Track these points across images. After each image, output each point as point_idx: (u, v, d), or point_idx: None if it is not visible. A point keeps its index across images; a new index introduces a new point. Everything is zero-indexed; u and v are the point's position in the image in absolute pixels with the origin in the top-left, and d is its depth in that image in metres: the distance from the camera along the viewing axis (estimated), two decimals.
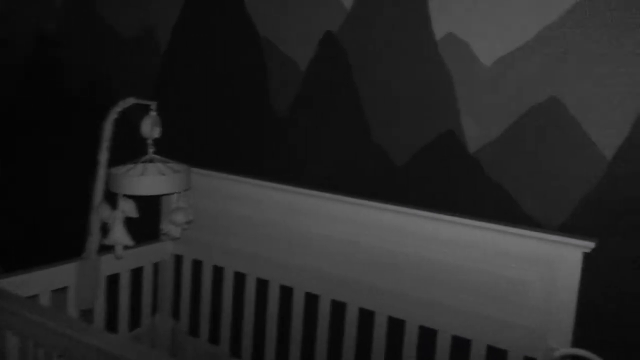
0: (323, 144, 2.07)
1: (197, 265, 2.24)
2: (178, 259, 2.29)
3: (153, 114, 1.86)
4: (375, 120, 1.96)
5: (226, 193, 2.12)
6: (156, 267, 2.29)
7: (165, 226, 1.98)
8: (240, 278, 2.14)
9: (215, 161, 2.28)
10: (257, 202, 2.05)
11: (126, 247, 1.93)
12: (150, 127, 1.84)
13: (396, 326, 1.85)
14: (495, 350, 1.69)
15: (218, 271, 2.19)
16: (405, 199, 1.90)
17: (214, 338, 2.23)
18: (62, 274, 1.93)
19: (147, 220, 2.06)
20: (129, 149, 1.93)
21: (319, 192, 1.92)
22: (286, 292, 2.05)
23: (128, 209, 1.80)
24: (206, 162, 2.25)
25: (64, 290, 1.97)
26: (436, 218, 1.74)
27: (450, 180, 1.84)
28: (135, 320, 2.25)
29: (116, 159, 1.93)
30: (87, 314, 2.15)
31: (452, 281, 1.74)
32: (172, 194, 2.03)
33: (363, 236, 1.86)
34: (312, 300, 1.99)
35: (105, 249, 1.98)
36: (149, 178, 1.76)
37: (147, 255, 2.21)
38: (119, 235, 1.80)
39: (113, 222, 1.79)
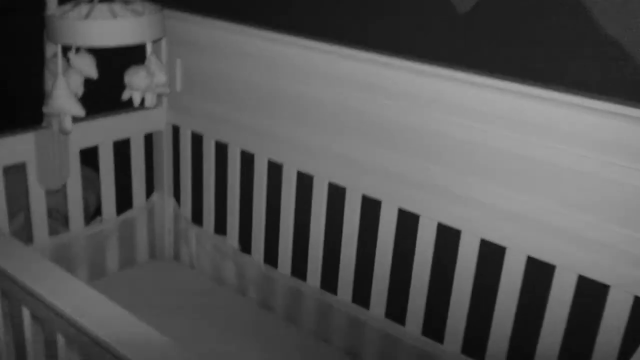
0: None
1: (198, 140, 1.79)
2: (176, 131, 1.84)
3: None
4: None
5: (231, 49, 1.61)
6: (150, 140, 1.85)
7: (126, 92, 1.50)
8: (248, 159, 1.68)
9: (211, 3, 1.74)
10: (271, 63, 1.54)
11: (78, 119, 1.48)
12: None
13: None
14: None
15: (222, 149, 1.74)
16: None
17: (221, 228, 1.82)
18: (17, 146, 1.52)
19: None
20: None
21: (374, 52, 1.36)
22: (305, 181, 1.58)
23: (83, 65, 1.33)
24: (197, 2, 1.72)
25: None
26: None
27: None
28: (128, 202, 1.86)
29: None
30: (58, 198, 1.76)
31: None
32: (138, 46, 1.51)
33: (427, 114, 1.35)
34: (337, 191, 1.52)
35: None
36: (96, 23, 1.26)
37: (135, 124, 1.76)
38: (62, 101, 1.33)
39: (54, 83, 1.32)
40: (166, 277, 1.88)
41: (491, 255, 1.31)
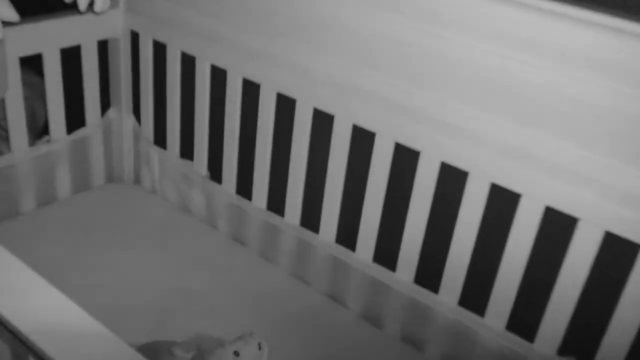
0: None
1: (162, 49, 1.54)
2: (135, 39, 1.58)
3: None
4: None
5: None
6: (105, 48, 1.59)
7: None
8: (220, 75, 1.45)
9: None
10: None
11: (13, 24, 1.22)
12: None
13: None
14: None
15: (190, 61, 1.49)
16: None
17: (187, 153, 1.61)
18: None
19: None
20: None
21: None
22: (285, 102, 1.36)
23: None
24: None
25: None
26: None
27: None
28: (80, 119, 1.62)
29: None
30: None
31: None
32: None
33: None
34: (324, 118, 1.31)
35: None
36: None
37: (86, 29, 1.50)
38: None
39: None
40: (125, 203, 1.68)
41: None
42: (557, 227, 1.08)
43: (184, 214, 1.65)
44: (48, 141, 1.56)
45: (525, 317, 1.16)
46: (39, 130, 1.68)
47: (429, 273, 1.27)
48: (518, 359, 1.17)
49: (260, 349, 1.12)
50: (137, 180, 1.75)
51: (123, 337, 1.25)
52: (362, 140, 1.26)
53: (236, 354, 1.08)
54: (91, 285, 1.39)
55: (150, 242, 1.54)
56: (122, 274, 1.43)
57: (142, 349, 1.13)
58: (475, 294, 1.22)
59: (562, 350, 1.14)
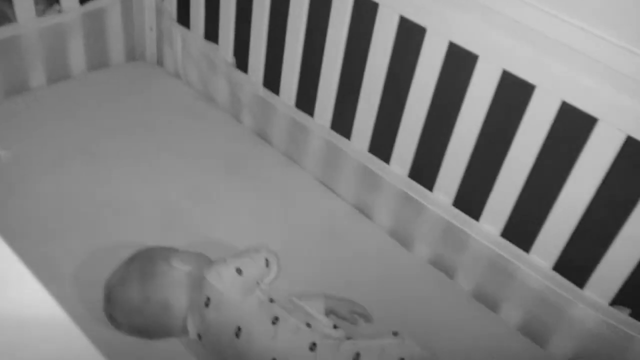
0: None
1: None
2: None
3: None
4: None
5: None
6: None
7: None
8: None
9: None
10: None
11: None
12: None
13: None
14: None
15: None
16: None
17: (212, 35, 1.43)
18: None
19: None
20: None
21: None
22: None
23: None
24: None
25: None
26: None
27: None
28: None
29: None
30: None
31: None
32: None
33: None
34: (366, 5, 1.11)
35: None
36: None
37: None
38: None
39: None
40: (144, 85, 1.53)
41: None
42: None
43: (208, 102, 1.49)
44: (59, 11, 1.40)
45: (573, 253, 1.01)
46: None
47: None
48: (566, 304, 1.02)
49: (267, 265, 1.00)
50: (160, 62, 1.59)
51: (127, 235, 1.16)
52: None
53: (238, 271, 0.96)
54: (98, 174, 1.27)
55: (167, 132, 1.40)
56: (134, 165, 1.31)
57: (139, 256, 1.02)
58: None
59: (616, 300, 0.99)
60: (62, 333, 0.48)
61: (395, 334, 0.92)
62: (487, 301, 1.13)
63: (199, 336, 0.96)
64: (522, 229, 1.06)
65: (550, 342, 1.07)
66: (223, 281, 0.95)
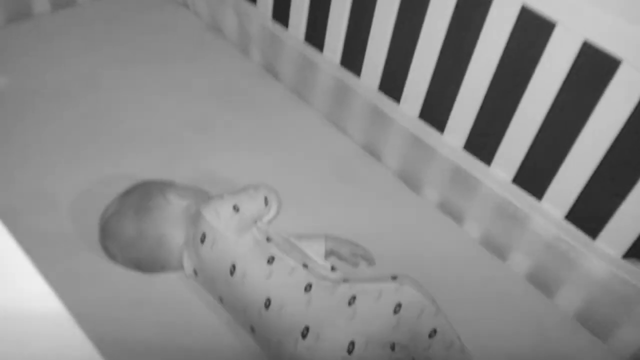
0: None
1: None
2: None
3: None
4: None
5: None
6: None
7: None
8: None
9: None
10: None
11: None
12: None
13: None
14: None
15: None
16: None
17: None
18: None
19: None
20: None
21: None
22: None
23: None
24: None
25: None
26: None
27: None
28: None
29: None
30: None
31: None
32: None
33: None
34: None
35: None
36: None
37: None
38: None
39: None
40: (151, 13, 1.47)
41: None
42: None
43: (215, 34, 1.44)
44: None
45: (585, 203, 0.96)
46: None
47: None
48: (577, 255, 0.98)
49: (267, 204, 0.97)
50: None
51: (127, 166, 1.13)
52: None
53: (235, 208, 0.93)
54: (100, 104, 1.24)
55: (173, 63, 1.35)
56: (137, 95, 1.27)
57: (136, 189, 0.98)
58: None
59: (629, 253, 0.95)
60: (61, 328, 0.45)
61: (394, 278, 0.88)
62: (495, 249, 1.09)
63: (195, 272, 0.94)
64: (535, 175, 1.01)
65: (558, 293, 1.03)
66: (219, 218, 0.92)
